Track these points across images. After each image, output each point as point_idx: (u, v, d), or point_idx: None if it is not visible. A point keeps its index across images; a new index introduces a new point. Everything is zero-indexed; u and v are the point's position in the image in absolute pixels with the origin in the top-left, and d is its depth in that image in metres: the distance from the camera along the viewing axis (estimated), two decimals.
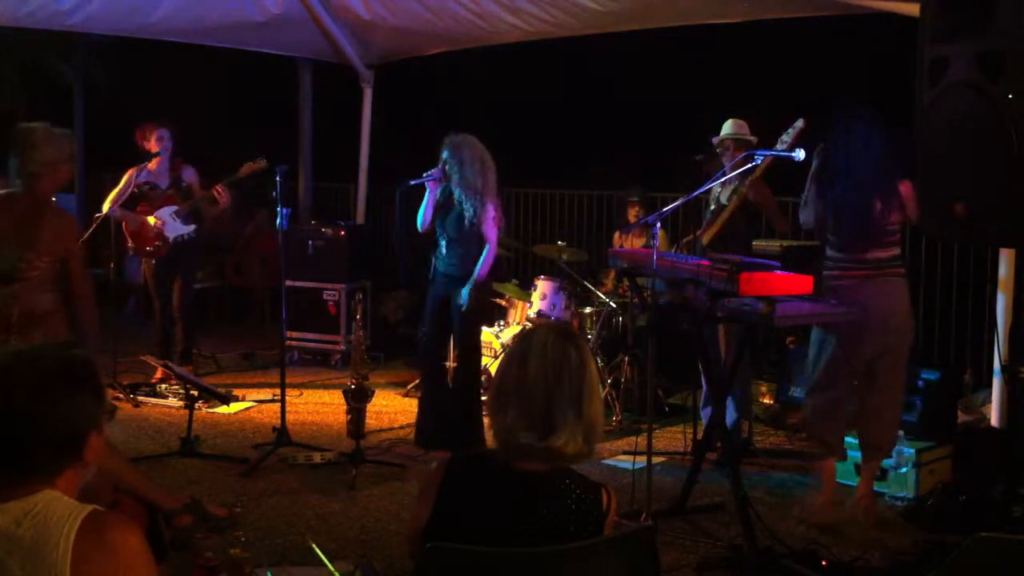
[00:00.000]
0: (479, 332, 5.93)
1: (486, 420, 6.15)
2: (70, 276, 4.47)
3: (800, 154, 4.49)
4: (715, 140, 5.75)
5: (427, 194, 5.64)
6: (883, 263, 4.59)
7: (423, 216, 5.67)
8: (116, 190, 6.90)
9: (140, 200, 7.00)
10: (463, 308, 5.56)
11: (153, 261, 7.04)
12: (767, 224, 6.06)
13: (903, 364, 4.72)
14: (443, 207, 5.64)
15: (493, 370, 6.62)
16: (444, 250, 5.69)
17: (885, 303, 4.56)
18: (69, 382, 1.92)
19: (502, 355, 6.54)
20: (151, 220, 6.93)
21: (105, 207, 6.87)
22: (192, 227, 7.05)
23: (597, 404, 2.33)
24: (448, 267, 5.67)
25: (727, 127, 5.71)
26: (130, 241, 7.03)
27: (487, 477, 2.29)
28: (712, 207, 5.76)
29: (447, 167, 5.52)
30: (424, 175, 5.57)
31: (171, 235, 6.98)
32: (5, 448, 1.89)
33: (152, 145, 6.94)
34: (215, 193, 6.85)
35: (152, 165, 7.00)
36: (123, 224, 6.98)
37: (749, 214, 5.55)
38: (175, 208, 6.98)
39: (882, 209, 4.53)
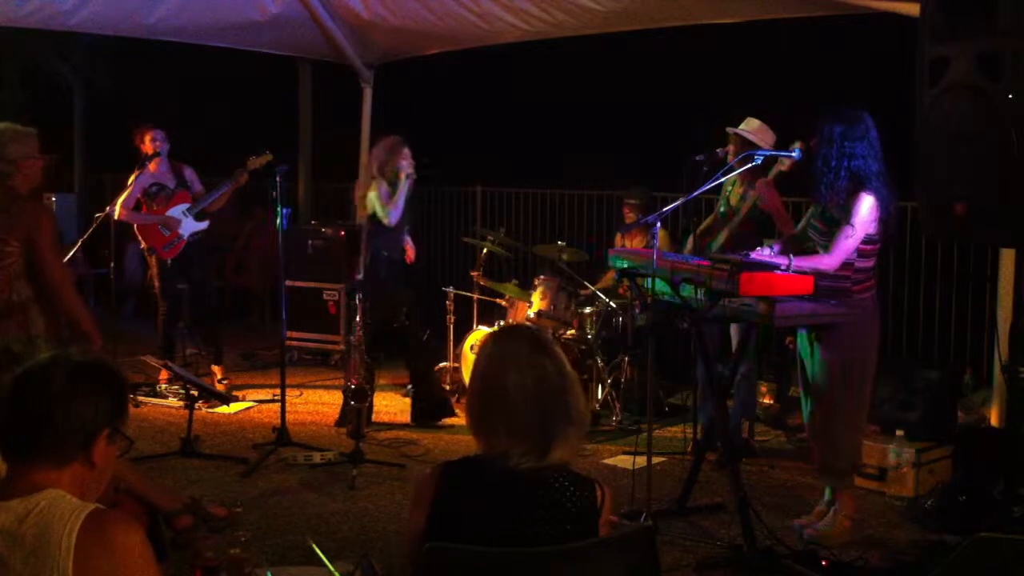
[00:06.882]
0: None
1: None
2: (38, 261, 4.43)
3: (798, 153, 4.48)
4: (728, 130, 5.54)
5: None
6: None
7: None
8: (124, 195, 6.81)
9: (149, 201, 6.91)
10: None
11: (169, 262, 6.93)
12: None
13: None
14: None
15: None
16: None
17: None
18: (97, 377, 2.07)
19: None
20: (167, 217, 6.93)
21: (116, 213, 6.78)
22: (205, 224, 7.04)
23: (582, 399, 2.36)
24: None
25: (742, 123, 5.50)
26: (144, 242, 6.94)
27: (483, 480, 2.28)
28: (723, 208, 5.71)
29: None
30: None
31: (186, 233, 6.95)
32: (36, 424, 1.98)
33: (147, 147, 6.89)
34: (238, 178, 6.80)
35: (152, 167, 6.94)
36: (135, 227, 6.93)
37: (759, 219, 5.46)
38: (187, 205, 6.93)
39: None
